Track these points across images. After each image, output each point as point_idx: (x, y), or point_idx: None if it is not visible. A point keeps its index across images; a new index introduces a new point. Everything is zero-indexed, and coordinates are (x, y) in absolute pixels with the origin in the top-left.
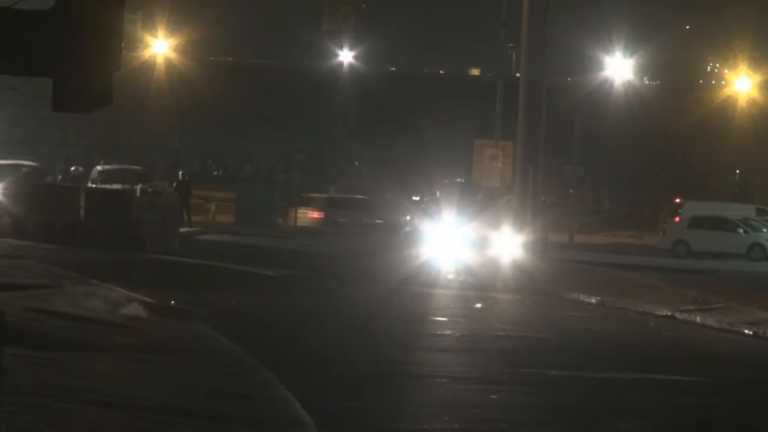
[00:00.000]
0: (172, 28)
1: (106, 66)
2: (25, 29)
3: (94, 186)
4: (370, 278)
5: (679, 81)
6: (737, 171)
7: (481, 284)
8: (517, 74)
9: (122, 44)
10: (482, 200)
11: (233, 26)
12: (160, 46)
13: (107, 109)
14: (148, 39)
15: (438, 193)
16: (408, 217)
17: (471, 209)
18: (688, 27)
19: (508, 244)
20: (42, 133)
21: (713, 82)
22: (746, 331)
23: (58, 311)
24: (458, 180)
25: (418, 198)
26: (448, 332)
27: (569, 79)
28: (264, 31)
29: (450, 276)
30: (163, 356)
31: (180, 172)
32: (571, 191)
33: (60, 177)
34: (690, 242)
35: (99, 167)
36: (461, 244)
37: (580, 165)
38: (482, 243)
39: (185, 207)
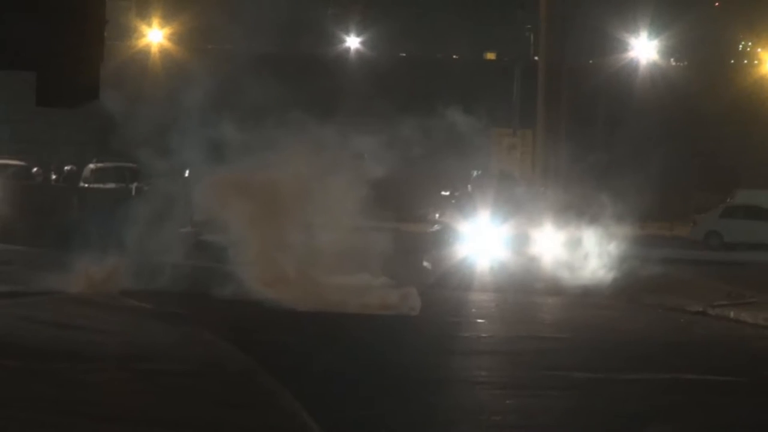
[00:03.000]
0: (168, 16)
1: (90, 57)
2: (5, 19)
3: (86, 185)
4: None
5: (708, 61)
6: None
7: (506, 284)
8: (536, 58)
9: (104, 33)
10: (521, 194)
11: (232, 12)
12: (155, 35)
13: (99, 103)
14: (143, 28)
15: (469, 187)
16: (437, 215)
17: (508, 205)
18: (717, 3)
19: (546, 241)
20: (32, 130)
21: (745, 61)
22: None
23: (50, 320)
24: (476, 172)
25: (447, 193)
26: (467, 334)
27: (591, 61)
28: (265, 16)
29: (481, 277)
30: (163, 365)
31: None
32: (595, 181)
33: (54, 177)
34: (723, 233)
35: (92, 165)
36: (495, 242)
37: (604, 153)
38: (519, 241)
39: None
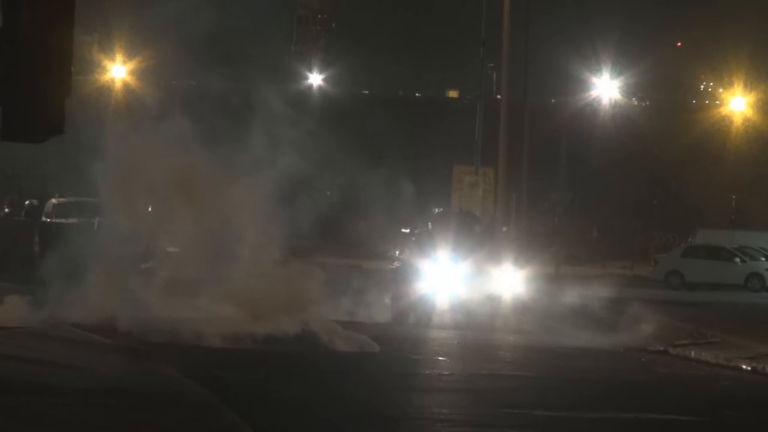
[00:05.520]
0: (132, 51)
1: (56, 91)
2: None
3: (49, 220)
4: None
5: (670, 101)
6: (734, 196)
7: (469, 323)
8: (498, 96)
9: (72, 68)
10: (480, 232)
11: (196, 48)
12: (118, 70)
13: (62, 138)
14: (106, 62)
15: (430, 225)
16: (398, 252)
17: (468, 242)
18: (679, 44)
19: (506, 280)
20: None
21: (707, 102)
22: (744, 367)
23: (13, 354)
24: (437, 209)
25: (408, 230)
26: (427, 372)
27: (553, 100)
28: (229, 53)
29: (442, 315)
30: (124, 400)
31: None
32: (557, 220)
33: (7, 210)
34: (684, 273)
35: (54, 200)
36: (455, 280)
37: (566, 192)
38: (479, 278)
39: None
